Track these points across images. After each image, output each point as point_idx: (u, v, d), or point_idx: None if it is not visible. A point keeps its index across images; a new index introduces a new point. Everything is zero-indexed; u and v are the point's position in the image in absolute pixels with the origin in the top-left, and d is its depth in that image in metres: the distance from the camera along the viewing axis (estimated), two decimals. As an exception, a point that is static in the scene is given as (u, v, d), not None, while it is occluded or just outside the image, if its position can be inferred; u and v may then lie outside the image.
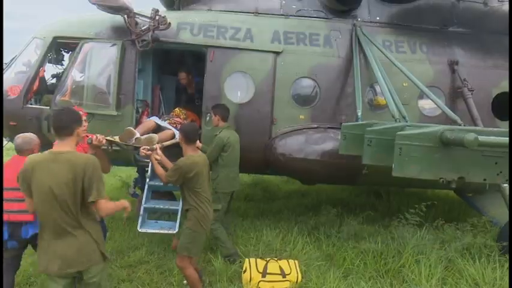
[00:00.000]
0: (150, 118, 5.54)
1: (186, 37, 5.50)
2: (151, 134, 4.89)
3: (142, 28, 5.23)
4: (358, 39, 5.61)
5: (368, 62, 5.34)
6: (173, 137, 4.91)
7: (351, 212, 6.35)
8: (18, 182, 2.71)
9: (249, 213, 6.79)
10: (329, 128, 5.42)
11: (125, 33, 5.33)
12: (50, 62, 6.34)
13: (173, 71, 6.45)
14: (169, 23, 5.21)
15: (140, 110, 5.83)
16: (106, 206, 2.72)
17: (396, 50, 5.75)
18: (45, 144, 5.53)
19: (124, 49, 5.35)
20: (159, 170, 3.87)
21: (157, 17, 5.16)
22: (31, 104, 5.56)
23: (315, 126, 5.51)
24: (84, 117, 3.44)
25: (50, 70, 6.58)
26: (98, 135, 3.69)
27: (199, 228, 3.75)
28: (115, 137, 4.47)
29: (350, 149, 4.45)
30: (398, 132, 3.40)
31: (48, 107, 5.39)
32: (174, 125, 5.38)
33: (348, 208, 6.77)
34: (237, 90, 5.48)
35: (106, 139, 3.82)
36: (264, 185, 8.72)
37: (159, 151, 4.05)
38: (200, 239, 3.85)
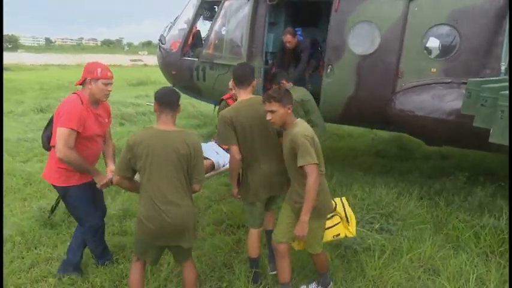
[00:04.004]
0: None
1: (312, -12, 5.52)
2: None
3: (272, -18, 5.51)
4: (524, -28, 4.47)
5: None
6: (212, 168, 3.58)
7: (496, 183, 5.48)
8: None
9: (373, 169, 6.68)
10: (464, 83, 4.70)
11: (258, -12, 5.72)
12: (206, 19, 7.41)
13: (306, 23, 6.57)
14: (296, -24, 5.31)
15: (269, 62, 6.30)
16: None
17: None
18: (195, 90, 6.74)
19: (256, 4, 5.78)
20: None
21: (284, -30, 5.34)
22: (187, 57, 6.74)
23: (448, 81, 4.87)
24: (109, 81, 3.12)
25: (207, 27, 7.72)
26: None
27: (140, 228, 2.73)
28: None
29: (473, 109, 3.85)
30: (502, 92, 2.79)
31: (197, 59, 6.45)
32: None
33: (493, 178, 5.84)
34: (360, 41, 5.26)
35: None
36: (401, 142, 8.20)
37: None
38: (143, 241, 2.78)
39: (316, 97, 5.75)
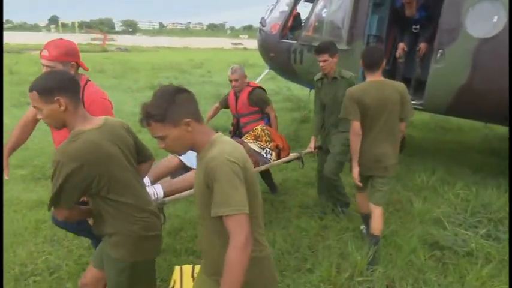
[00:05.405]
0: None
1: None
2: None
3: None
4: None
5: None
6: None
7: None
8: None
9: (484, 169, 5.89)
10: None
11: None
12: (307, 1, 7.30)
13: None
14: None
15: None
16: None
17: None
18: (291, 73, 6.73)
19: (361, -16, 5.47)
20: None
21: None
22: (286, 39, 6.74)
23: None
24: (43, 61, 2.37)
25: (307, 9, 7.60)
26: None
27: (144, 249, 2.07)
28: None
29: None
30: None
31: (295, 42, 6.40)
32: None
33: None
34: (480, 22, 4.63)
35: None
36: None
37: None
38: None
39: (422, 84, 5.31)
